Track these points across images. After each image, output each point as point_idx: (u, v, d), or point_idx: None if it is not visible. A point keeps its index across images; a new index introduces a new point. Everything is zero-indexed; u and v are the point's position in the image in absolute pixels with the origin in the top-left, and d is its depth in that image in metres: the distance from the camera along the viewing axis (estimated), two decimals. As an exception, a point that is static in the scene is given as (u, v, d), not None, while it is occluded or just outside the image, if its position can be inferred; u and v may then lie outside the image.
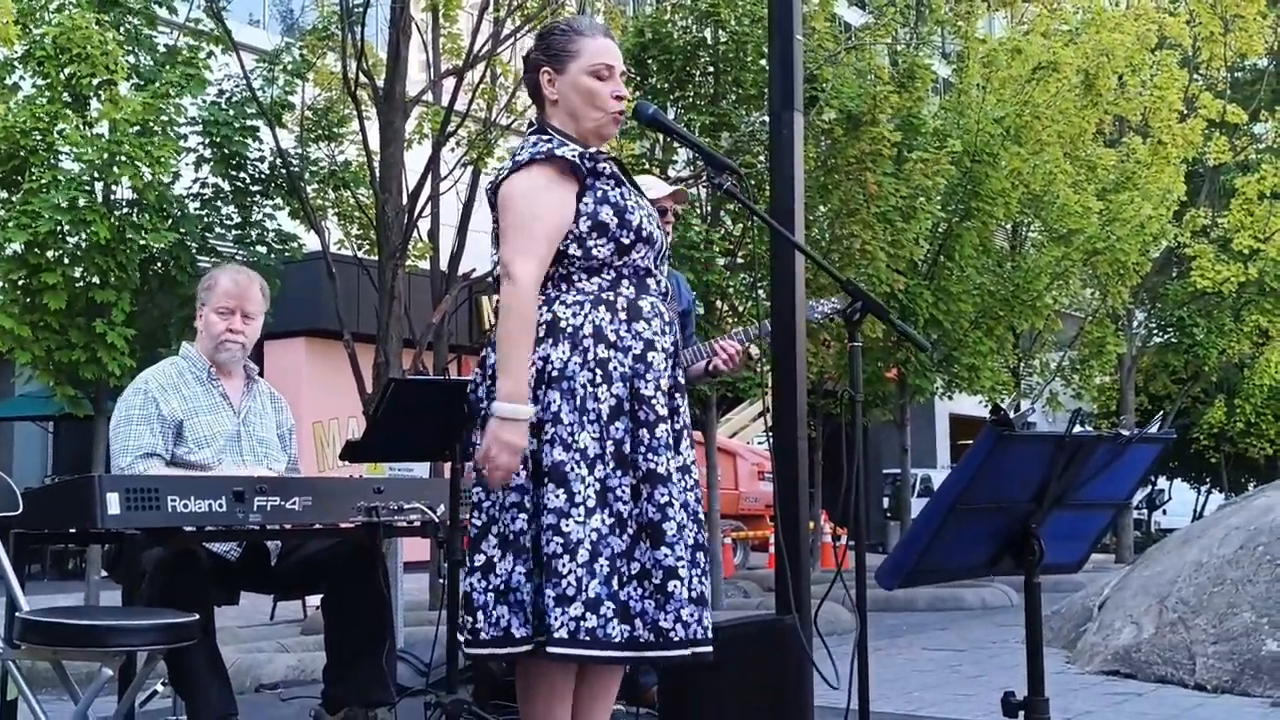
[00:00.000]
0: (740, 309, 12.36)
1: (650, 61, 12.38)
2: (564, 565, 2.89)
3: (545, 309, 3.06)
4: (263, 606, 10.58)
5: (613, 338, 3.04)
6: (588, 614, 2.87)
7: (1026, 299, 16.59)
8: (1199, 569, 6.81)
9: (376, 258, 10.45)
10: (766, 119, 5.54)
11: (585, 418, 2.97)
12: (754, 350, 4.63)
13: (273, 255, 11.50)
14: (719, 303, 12.38)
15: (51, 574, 17.48)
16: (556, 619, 2.87)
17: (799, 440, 4.44)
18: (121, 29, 10.74)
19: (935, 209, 14.61)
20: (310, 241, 11.91)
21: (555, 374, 2.99)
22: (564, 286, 3.08)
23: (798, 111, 4.61)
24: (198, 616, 3.39)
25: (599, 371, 3.00)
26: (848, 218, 12.79)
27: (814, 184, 12.56)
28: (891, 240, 13.13)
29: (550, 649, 2.88)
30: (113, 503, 3.27)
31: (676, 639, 2.93)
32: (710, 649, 3.03)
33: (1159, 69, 20.15)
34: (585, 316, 3.04)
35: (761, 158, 11.49)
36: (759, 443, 24.25)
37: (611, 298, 3.08)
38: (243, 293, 4.24)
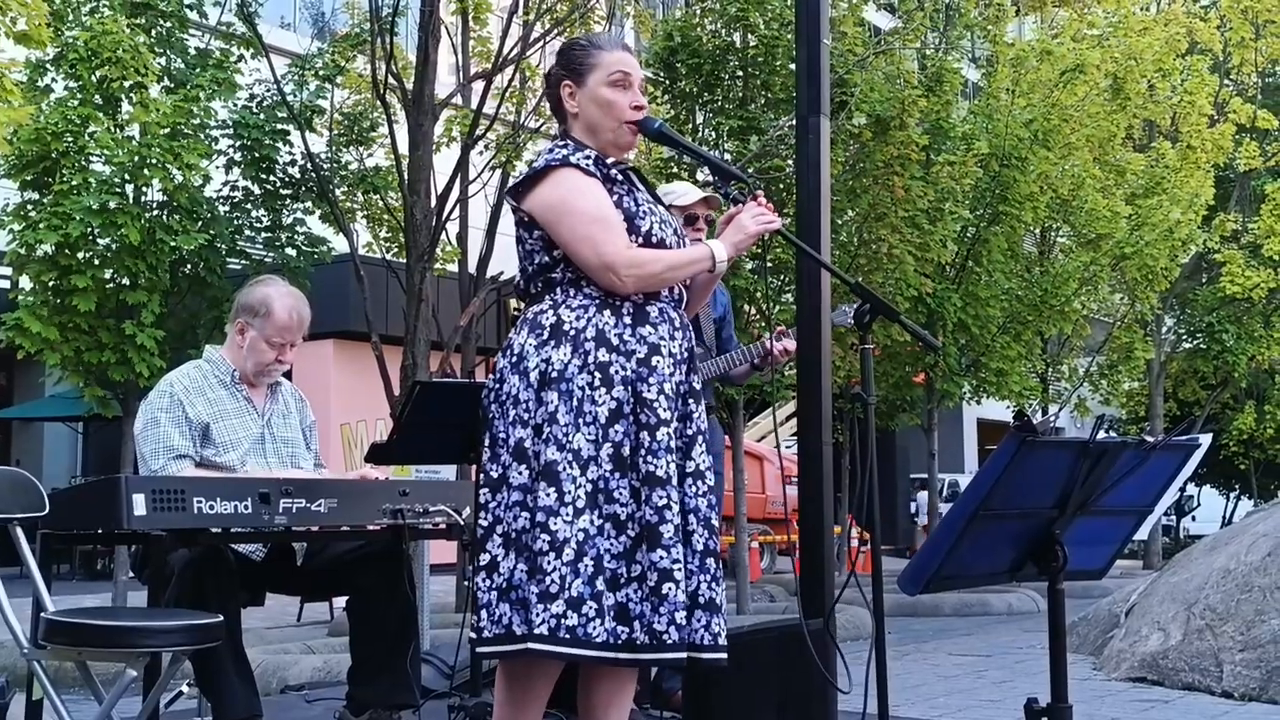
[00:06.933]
0: (769, 314, 12.34)
1: (679, 65, 12.38)
2: (549, 563, 2.91)
3: (551, 312, 3.09)
4: (290, 607, 10.55)
5: (615, 341, 3.05)
6: (569, 612, 2.89)
7: (1055, 304, 16.56)
8: (1227, 575, 6.76)
9: (405, 260, 10.47)
10: (795, 123, 5.56)
11: (582, 420, 2.99)
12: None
13: (302, 258, 11.58)
14: (747, 307, 12.36)
15: (80, 574, 17.56)
16: (539, 615, 2.89)
17: (824, 445, 4.43)
18: (153, 32, 10.82)
19: (963, 212, 14.57)
20: (339, 244, 11.96)
21: (555, 375, 3.02)
22: (571, 291, 3.11)
23: (824, 117, 4.60)
24: (223, 617, 3.40)
25: (599, 375, 3.02)
26: (875, 221, 12.76)
27: (842, 188, 12.53)
28: (919, 244, 13.12)
29: (531, 645, 2.90)
30: (139, 504, 3.29)
31: (670, 641, 2.94)
32: (722, 655, 3.03)
33: (1189, 74, 20.06)
34: (589, 320, 3.06)
35: (790, 162, 11.47)
36: (787, 447, 24.21)
37: (617, 301, 3.09)
38: (299, 327, 4.25)
